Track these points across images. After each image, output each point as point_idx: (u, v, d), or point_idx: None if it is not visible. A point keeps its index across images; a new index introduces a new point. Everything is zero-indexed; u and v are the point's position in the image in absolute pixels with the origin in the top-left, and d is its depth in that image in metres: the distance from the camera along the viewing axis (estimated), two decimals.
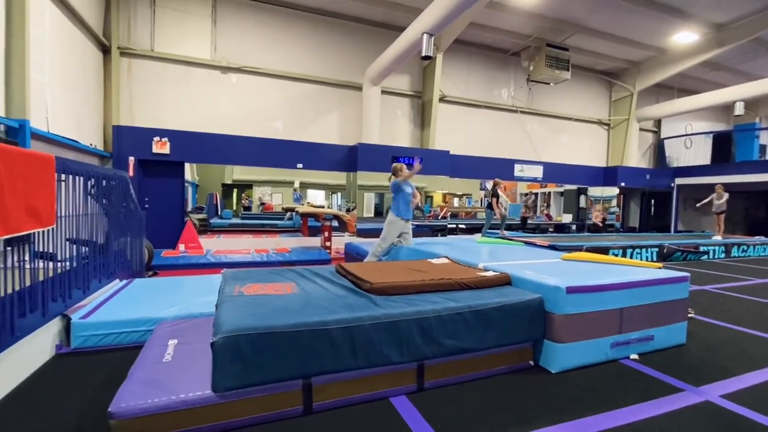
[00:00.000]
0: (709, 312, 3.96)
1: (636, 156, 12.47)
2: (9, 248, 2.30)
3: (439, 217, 13.38)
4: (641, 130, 12.70)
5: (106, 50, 6.96)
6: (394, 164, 5.02)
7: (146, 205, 7.25)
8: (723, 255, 8.39)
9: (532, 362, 2.58)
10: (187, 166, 9.78)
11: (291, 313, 2.04)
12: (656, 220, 13.22)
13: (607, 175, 12.12)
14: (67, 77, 5.67)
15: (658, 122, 13.35)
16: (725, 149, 13.40)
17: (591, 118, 12.25)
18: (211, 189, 12.91)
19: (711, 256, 8.16)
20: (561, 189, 14.87)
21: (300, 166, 8.48)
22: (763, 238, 9.44)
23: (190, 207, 12.24)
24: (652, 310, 2.85)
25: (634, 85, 11.78)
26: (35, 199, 2.27)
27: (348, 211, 9.67)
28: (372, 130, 8.67)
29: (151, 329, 2.76)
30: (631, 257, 6.98)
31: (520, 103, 11.06)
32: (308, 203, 15.43)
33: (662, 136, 13.41)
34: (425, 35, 6.17)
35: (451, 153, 9.44)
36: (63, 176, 2.77)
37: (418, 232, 8.99)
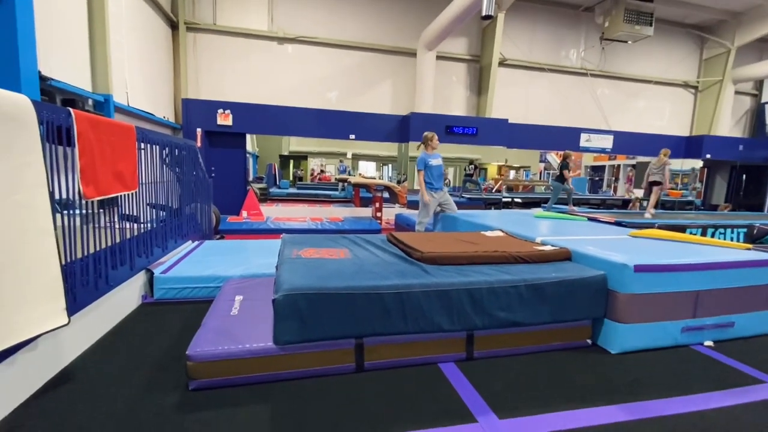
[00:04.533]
0: None
1: (728, 123, 10.92)
2: (101, 210, 2.61)
3: (494, 191, 12.92)
4: (737, 93, 11.01)
5: (174, 26, 7.36)
6: (425, 133, 4.80)
7: (213, 174, 7.79)
8: None
9: (589, 341, 2.47)
10: (248, 137, 10.28)
11: (345, 276, 2.12)
12: (746, 197, 11.64)
13: (689, 146, 10.81)
14: (141, 53, 6.11)
15: (759, 84, 11.48)
16: None
17: (675, 80, 10.82)
18: (270, 160, 13.54)
19: None
20: (633, 161, 13.57)
21: (352, 137, 8.54)
22: None
23: (251, 177, 13.00)
24: (734, 294, 2.56)
25: (733, 40, 10.13)
26: (121, 164, 2.52)
27: (399, 182, 9.66)
28: (425, 99, 8.43)
29: (219, 286, 3.03)
30: (712, 237, 6.28)
31: (590, 65, 10.06)
32: (360, 174, 15.63)
33: (763, 100, 11.54)
34: None
35: (509, 122, 8.93)
36: (142, 145, 3.04)
37: (470, 205, 8.78)
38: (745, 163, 11.27)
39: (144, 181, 3.11)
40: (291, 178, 15.29)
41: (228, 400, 1.78)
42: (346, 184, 10.30)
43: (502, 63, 9.21)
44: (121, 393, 1.81)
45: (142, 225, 3.13)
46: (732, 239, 6.52)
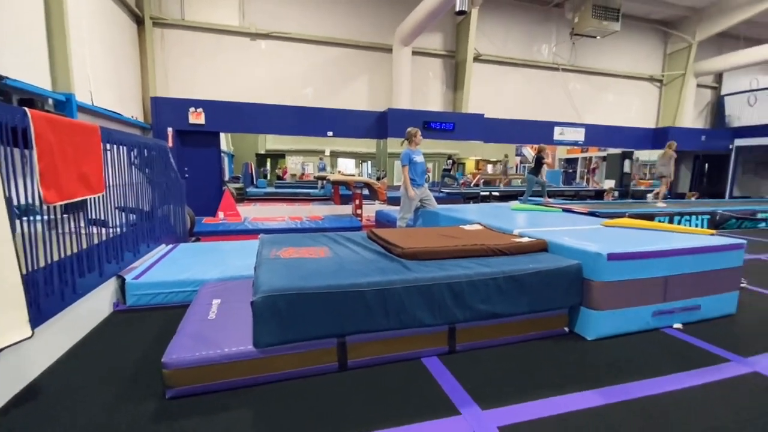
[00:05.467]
0: (765, 282, 3.69)
1: (691, 115, 11.43)
2: (66, 215, 2.48)
3: (472, 185, 13.08)
4: (699, 86, 11.53)
5: (139, 21, 7.07)
6: (409, 129, 4.82)
7: (186, 175, 7.56)
8: None
9: (567, 329, 2.54)
10: (222, 136, 10.01)
11: (325, 275, 2.09)
12: (710, 185, 12.23)
13: (656, 137, 11.24)
14: (105, 50, 5.84)
15: (719, 77, 12.05)
16: None
17: (642, 74, 11.23)
18: (246, 159, 13.25)
19: None
20: (604, 153, 14.00)
21: (330, 134, 8.45)
22: None
23: (227, 177, 12.69)
24: (700, 278, 2.69)
25: (694, 35, 10.58)
26: (85, 167, 2.40)
27: (378, 179, 9.64)
28: (402, 94, 8.43)
29: (196, 290, 2.94)
30: (680, 225, 6.57)
31: (562, 60, 10.30)
32: (339, 172, 15.52)
33: (723, 93, 12.13)
34: None
35: (486, 116, 9.05)
36: (108, 146, 2.91)
37: (448, 200, 8.86)
38: (708, 153, 11.84)
39: (112, 184, 2.98)
40: (269, 177, 15.03)
41: (207, 407, 1.73)
42: (325, 181, 10.20)
43: (477, 58, 9.31)
44: (93, 406, 1.73)
45: (110, 229, 3.00)
46: (697, 225, 6.84)
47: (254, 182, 12.09)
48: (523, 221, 3.94)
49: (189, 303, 2.65)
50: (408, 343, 2.15)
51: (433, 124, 8.51)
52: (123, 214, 3.26)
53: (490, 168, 19.59)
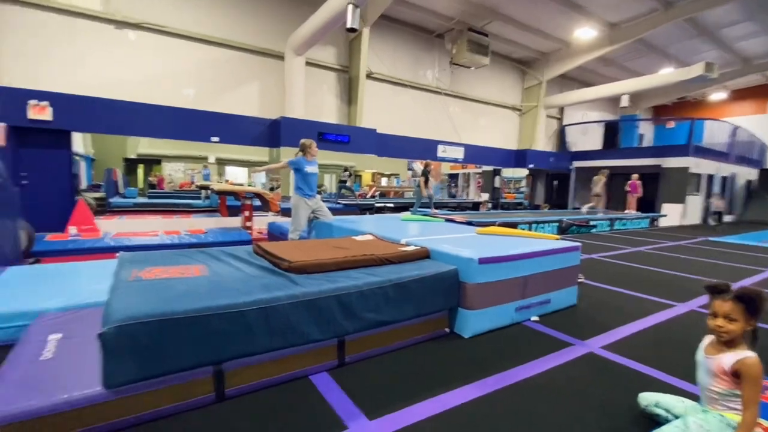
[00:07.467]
0: (595, 276, 4.57)
1: (543, 140, 13.76)
2: None
3: (368, 196, 13.47)
4: (548, 116, 13.98)
5: None
6: (303, 140, 4.81)
7: (24, 181, 6.12)
8: (608, 228, 9.75)
9: (447, 329, 2.74)
10: (78, 136, 8.45)
11: (197, 296, 1.87)
12: (558, 198, 14.84)
13: (518, 157, 13.19)
14: None
15: (561, 110, 14.81)
16: (613, 136, 15.39)
17: (506, 103, 13.14)
18: (111, 164, 11.37)
19: (599, 229, 9.43)
20: (480, 170, 15.87)
21: (215, 139, 7.80)
22: (637, 213, 11.15)
23: (84, 184, 10.68)
24: (550, 276, 3.19)
25: (543, 74, 12.84)
26: None
27: (272, 189, 9.22)
28: (296, 103, 8.28)
29: (27, 323, 2.35)
30: (536, 231, 7.76)
31: (443, 85, 11.41)
32: (227, 181, 14.40)
33: (564, 123, 14.94)
34: (350, 5, 5.97)
35: (378, 131, 9.44)
36: None
37: (345, 211, 8.95)
38: (556, 171, 14.37)
39: None
40: (141, 186, 13.16)
41: None
42: (209, 191, 9.32)
43: (370, 76, 9.71)
44: None
45: None
46: (550, 232, 8.17)
47: (120, 191, 10.44)
48: (410, 231, 4.17)
49: (15, 342, 2.11)
50: (294, 362, 2.06)
51: (328, 136, 8.54)
52: None
53: (384, 181, 20.41)
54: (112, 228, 6.26)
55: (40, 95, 6.21)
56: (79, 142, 10.10)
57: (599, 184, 11.00)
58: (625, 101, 12.29)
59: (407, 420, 1.75)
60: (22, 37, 6.21)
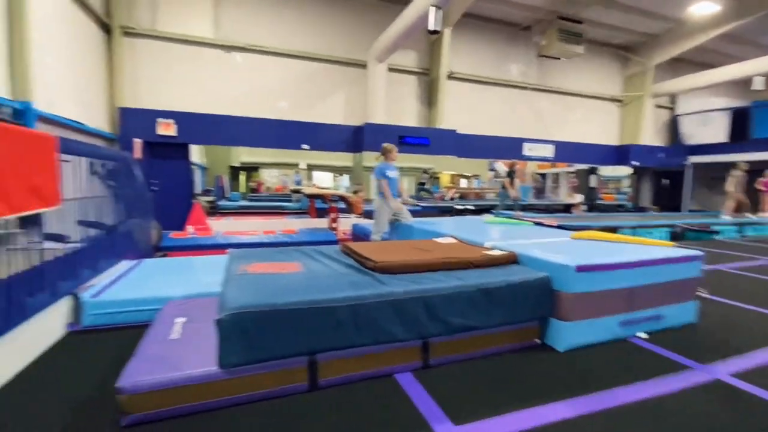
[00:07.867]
0: (721, 291, 3.89)
1: (650, 134, 12.11)
2: (22, 230, 2.32)
3: (447, 198, 13.27)
4: (656, 106, 12.28)
5: (108, 30, 6.87)
6: (385, 144, 4.87)
7: (155, 188, 7.29)
8: (735, 234, 8.21)
9: (538, 340, 2.57)
10: (195, 148, 9.74)
11: (295, 291, 2.03)
12: (670, 199, 12.92)
13: (619, 154, 11.81)
14: (71, 60, 5.62)
15: (673, 98, 12.88)
16: (743, 126, 12.90)
17: (603, 94, 11.85)
18: (220, 172, 12.96)
19: (724, 236, 7.99)
20: (572, 169, 14.57)
21: (306, 147, 8.40)
22: None
23: (199, 190, 12.34)
24: (662, 288, 2.79)
25: (651, 59, 11.31)
26: (38, 178, 2.26)
27: (355, 192, 9.62)
28: (378, 109, 8.52)
29: (159, 308, 2.79)
30: (642, 237, 6.87)
31: (530, 80, 10.74)
32: (314, 185, 15.40)
33: (677, 113, 12.96)
34: (432, 8, 5.95)
35: (459, 132, 9.26)
36: (66, 157, 2.77)
37: (424, 212, 8.93)
38: (666, 169, 12.54)
39: (70, 197, 2.82)
40: (243, 190, 14.73)
41: None
42: (300, 194, 10.08)
43: (451, 76, 9.57)
44: None
45: (67, 245, 2.83)
46: (659, 238, 7.16)
47: (225, 195, 11.81)
48: (494, 234, 4.00)
49: (151, 323, 2.51)
50: (381, 360, 2.11)
51: (408, 139, 8.62)
52: (81, 228, 3.09)
53: (464, 182, 19.94)
54: (221, 227, 7.12)
55: (167, 114, 7.35)
56: (196, 153, 11.71)
57: (733, 181, 9.26)
58: (758, 83, 10.19)
59: (496, 430, 1.68)
60: (151, 64, 7.40)
